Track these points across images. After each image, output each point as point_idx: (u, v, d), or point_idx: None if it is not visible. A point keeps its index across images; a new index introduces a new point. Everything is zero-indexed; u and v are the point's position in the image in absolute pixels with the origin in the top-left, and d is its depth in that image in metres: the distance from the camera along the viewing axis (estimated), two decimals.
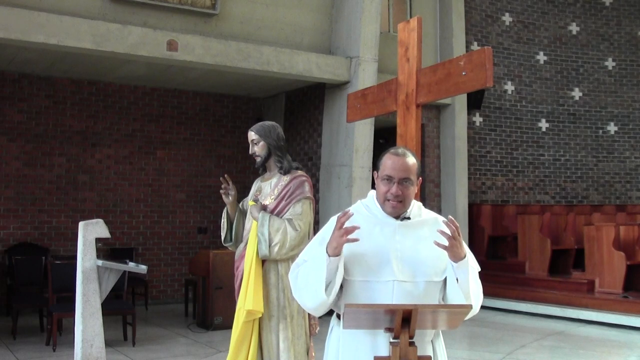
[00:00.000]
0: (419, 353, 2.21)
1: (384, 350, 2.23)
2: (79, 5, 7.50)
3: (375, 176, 2.45)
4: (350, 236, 2.21)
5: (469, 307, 2.21)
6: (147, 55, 7.69)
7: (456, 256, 2.25)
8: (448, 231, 2.23)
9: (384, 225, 2.39)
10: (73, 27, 7.19)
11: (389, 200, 2.36)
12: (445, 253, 2.26)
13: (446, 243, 2.23)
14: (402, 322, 2.11)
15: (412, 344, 2.13)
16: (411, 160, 2.40)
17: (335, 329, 2.41)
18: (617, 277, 8.76)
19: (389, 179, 2.36)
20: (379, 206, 2.43)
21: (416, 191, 2.44)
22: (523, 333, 7.89)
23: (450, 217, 2.29)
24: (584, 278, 9.21)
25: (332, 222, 2.46)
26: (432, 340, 2.38)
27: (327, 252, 2.24)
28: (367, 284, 2.30)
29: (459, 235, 2.23)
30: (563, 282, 9.47)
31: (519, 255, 10.35)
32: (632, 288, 8.82)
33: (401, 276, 2.29)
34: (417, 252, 2.34)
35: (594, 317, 8.46)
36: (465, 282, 2.27)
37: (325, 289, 2.25)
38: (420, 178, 2.47)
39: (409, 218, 2.41)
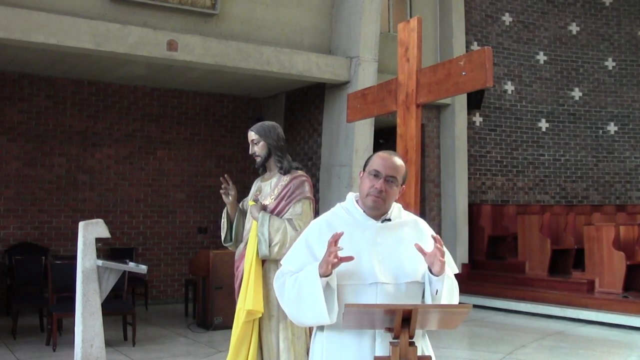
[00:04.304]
0: None
1: (369, 353, 2.24)
2: (79, 5, 7.50)
3: (360, 175, 2.46)
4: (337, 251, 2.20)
5: (469, 307, 2.21)
6: (147, 55, 7.69)
7: (438, 272, 2.27)
8: (431, 246, 2.25)
9: (365, 228, 2.39)
10: (73, 27, 7.20)
11: (370, 194, 2.36)
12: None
13: (427, 250, 2.26)
14: (402, 322, 2.11)
15: (412, 344, 2.13)
16: (400, 161, 2.43)
17: (319, 333, 2.40)
18: (617, 277, 8.76)
19: (376, 174, 2.37)
20: (359, 208, 2.43)
21: (397, 196, 2.44)
22: (523, 333, 7.89)
23: (434, 235, 2.30)
24: (584, 278, 9.21)
25: (312, 226, 2.47)
26: (420, 340, 2.36)
27: (319, 273, 2.24)
28: (351, 287, 2.29)
29: (442, 252, 2.26)
30: (563, 282, 9.47)
31: (519, 255, 10.35)
32: (632, 288, 8.81)
33: (383, 278, 2.29)
34: (398, 254, 2.34)
35: (594, 317, 8.46)
36: (440, 293, 2.30)
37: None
38: (404, 187, 2.47)
39: (389, 220, 2.42)
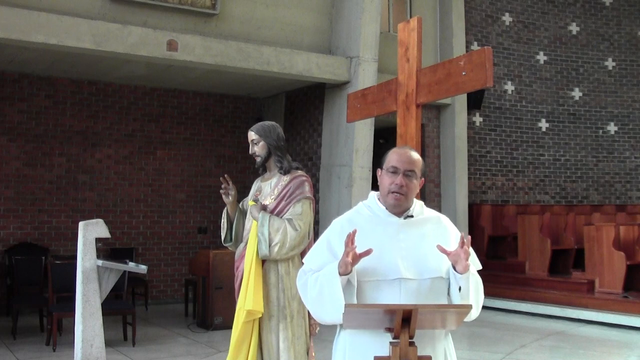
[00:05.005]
0: (431, 353, 2.24)
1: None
2: (79, 5, 7.50)
3: (378, 173, 2.46)
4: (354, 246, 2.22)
5: (469, 307, 2.22)
6: (147, 55, 7.69)
7: (461, 271, 2.27)
8: (454, 243, 2.26)
9: (387, 225, 2.40)
10: (73, 27, 7.19)
11: (392, 192, 2.37)
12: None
13: (449, 250, 2.26)
14: (402, 322, 2.11)
15: (412, 344, 2.13)
16: (416, 155, 2.45)
17: (342, 331, 2.41)
18: (617, 277, 8.75)
19: (395, 170, 2.38)
20: (380, 205, 2.44)
21: (418, 190, 2.45)
22: (523, 333, 7.89)
23: (463, 235, 2.29)
24: (584, 278, 9.21)
25: (334, 225, 2.48)
26: (442, 340, 2.38)
27: (339, 271, 2.25)
28: (374, 283, 2.30)
29: (468, 254, 2.26)
30: (563, 282, 9.47)
31: (519, 255, 10.34)
32: (632, 288, 8.81)
33: (407, 274, 2.30)
34: (421, 250, 2.35)
35: (594, 317, 8.46)
36: (466, 290, 2.30)
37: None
38: (423, 179, 2.49)
39: (411, 216, 2.43)
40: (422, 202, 2.51)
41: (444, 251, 2.25)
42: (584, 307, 8.70)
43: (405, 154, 2.42)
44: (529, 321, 8.76)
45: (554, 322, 8.61)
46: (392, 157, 2.42)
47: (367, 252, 2.22)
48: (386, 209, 2.43)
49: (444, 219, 2.51)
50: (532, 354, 6.77)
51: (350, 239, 2.20)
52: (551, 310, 8.99)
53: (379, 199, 2.47)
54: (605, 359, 6.78)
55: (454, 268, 2.30)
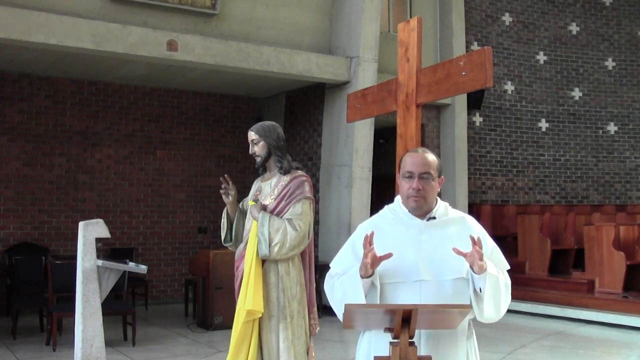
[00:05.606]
0: (453, 353, 2.25)
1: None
2: (79, 5, 7.50)
3: (398, 179, 2.49)
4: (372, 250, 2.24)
5: (469, 307, 2.23)
6: (147, 55, 7.69)
7: (477, 272, 2.27)
8: (468, 247, 2.25)
9: (409, 227, 2.41)
10: (73, 27, 7.20)
11: (410, 196, 2.39)
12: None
13: (465, 251, 2.26)
14: (402, 322, 2.11)
15: (412, 344, 2.13)
16: (430, 156, 2.45)
17: (367, 332, 2.43)
18: (617, 277, 8.75)
19: (410, 175, 2.40)
20: (404, 208, 2.46)
21: (438, 190, 2.46)
22: (523, 333, 7.89)
23: (472, 236, 2.28)
24: (584, 278, 9.21)
25: (359, 230, 2.50)
26: (464, 341, 2.38)
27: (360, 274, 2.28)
28: (395, 285, 2.32)
29: (481, 254, 2.25)
30: (563, 282, 9.47)
31: (519, 255, 10.34)
32: (632, 288, 8.81)
33: (428, 276, 2.31)
34: (444, 251, 2.34)
35: (594, 317, 8.46)
36: (483, 291, 2.30)
37: None
38: (442, 177, 2.49)
39: (434, 218, 2.43)
40: (446, 204, 2.51)
41: (460, 253, 2.25)
42: (584, 307, 8.70)
43: (419, 157, 2.42)
44: (529, 321, 8.75)
45: (554, 322, 8.61)
46: (407, 162, 2.43)
47: (387, 256, 2.24)
48: (409, 211, 2.44)
49: (469, 219, 2.50)
50: (532, 354, 6.77)
51: (368, 241, 2.22)
52: (551, 310, 8.99)
53: (402, 202, 2.49)
54: (605, 359, 6.78)
55: (472, 269, 2.30)
